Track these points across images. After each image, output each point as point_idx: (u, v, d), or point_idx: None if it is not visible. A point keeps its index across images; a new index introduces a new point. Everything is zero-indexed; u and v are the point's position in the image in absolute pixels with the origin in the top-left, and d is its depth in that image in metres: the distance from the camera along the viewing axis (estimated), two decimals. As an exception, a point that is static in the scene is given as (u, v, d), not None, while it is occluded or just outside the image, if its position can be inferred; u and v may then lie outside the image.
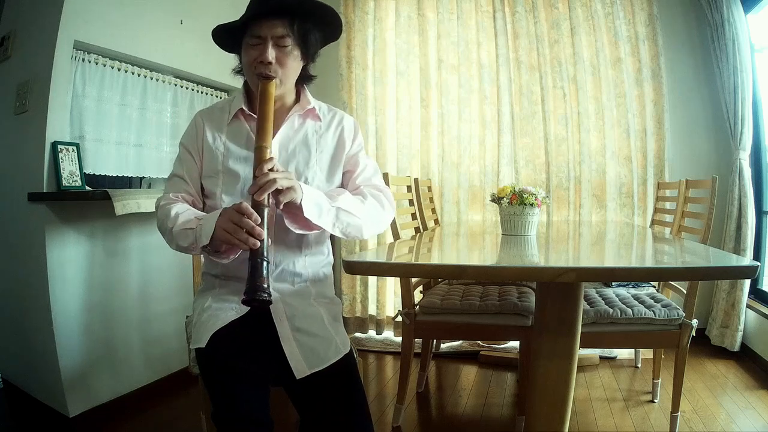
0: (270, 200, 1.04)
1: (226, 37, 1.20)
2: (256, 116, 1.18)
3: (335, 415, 1.09)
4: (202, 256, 1.35)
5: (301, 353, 1.10)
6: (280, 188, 1.03)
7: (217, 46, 1.24)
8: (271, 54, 1.12)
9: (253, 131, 1.19)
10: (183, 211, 1.14)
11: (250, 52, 1.14)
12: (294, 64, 1.17)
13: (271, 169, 1.03)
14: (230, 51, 1.24)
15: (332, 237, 1.23)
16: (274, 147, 1.19)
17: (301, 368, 1.09)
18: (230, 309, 1.15)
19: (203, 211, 1.21)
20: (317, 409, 1.10)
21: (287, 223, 1.11)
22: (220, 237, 1.02)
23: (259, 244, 0.99)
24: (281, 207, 1.07)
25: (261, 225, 1.00)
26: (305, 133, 1.25)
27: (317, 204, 1.10)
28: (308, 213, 1.08)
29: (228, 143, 1.20)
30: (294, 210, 1.09)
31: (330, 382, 1.11)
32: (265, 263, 0.98)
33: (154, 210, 1.89)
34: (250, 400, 1.06)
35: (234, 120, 1.22)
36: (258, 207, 1.01)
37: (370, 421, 1.12)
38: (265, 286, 0.97)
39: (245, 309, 1.13)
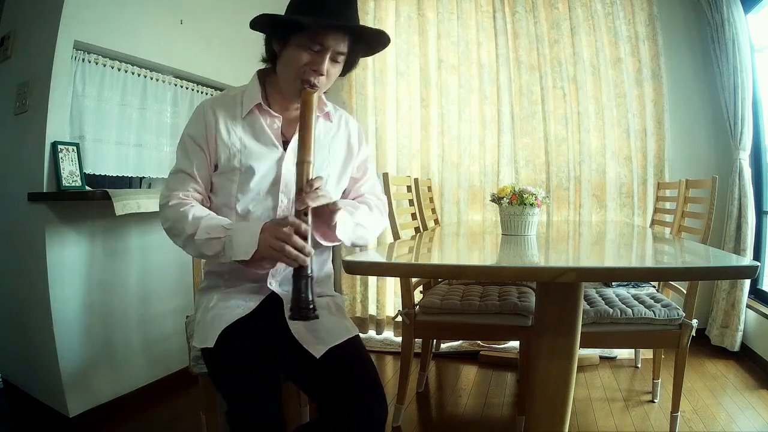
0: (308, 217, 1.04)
1: (275, 26, 1.14)
2: (273, 113, 1.19)
3: (349, 391, 1.07)
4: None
5: (314, 337, 1.12)
6: (328, 203, 1.05)
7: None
8: (326, 67, 1.11)
9: (269, 127, 1.18)
10: (203, 216, 1.09)
11: (304, 55, 1.09)
12: (335, 78, 1.18)
13: (317, 188, 1.04)
14: (263, 30, 1.16)
15: None
16: (290, 151, 1.17)
17: (317, 349, 1.10)
18: (237, 306, 1.14)
19: (209, 208, 1.18)
20: (331, 385, 1.09)
21: (317, 237, 1.13)
22: (266, 254, 1.01)
23: (308, 261, 0.99)
24: (333, 223, 1.08)
25: (306, 240, 1.00)
26: (318, 135, 1.22)
27: (344, 222, 1.13)
28: (339, 231, 1.11)
29: (244, 138, 1.16)
30: (323, 226, 1.11)
31: (342, 361, 1.11)
32: (310, 280, 0.99)
33: (154, 210, 1.91)
34: (264, 398, 1.05)
35: (249, 115, 1.18)
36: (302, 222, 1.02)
37: (382, 394, 1.10)
38: (311, 302, 0.98)
39: (252, 306, 1.14)
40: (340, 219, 1.09)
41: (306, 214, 1.02)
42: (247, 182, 1.15)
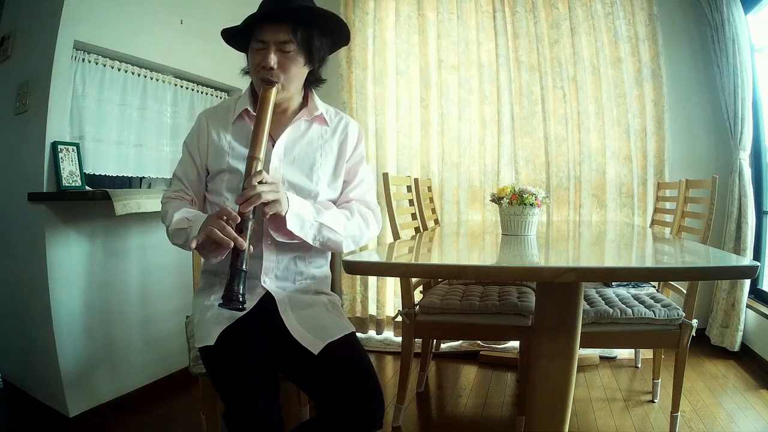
0: (255, 213, 1.07)
1: (236, 38, 1.22)
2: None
3: (346, 387, 1.09)
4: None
5: (312, 334, 1.14)
6: (266, 201, 1.06)
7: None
8: (273, 59, 1.13)
9: None
10: (177, 210, 1.18)
11: (255, 57, 1.16)
12: (297, 70, 1.18)
13: (260, 182, 1.05)
14: (240, 50, 1.26)
15: None
16: (279, 148, 1.21)
17: (315, 345, 1.12)
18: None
19: (204, 209, 1.27)
20: (329, 382, 1.10)
21: (271, 230, 1.15)
22: (209, 234, 1.04)
23: (244, 245, 1.03)
24: (267, 217, 1.10)
25: (243, 235, 1.03)
26: (311, 137, 1.26)
27: (300, 217, 1.13)
28: (290, 225, 1.11)
29: (232, 142, 1.23)
30: (278, 221, 1.12)
31: (338, 358, 1.13)
32: (242, 273, 1.03)
33: (154, 210, 1.92)
34: (262, 397, 1.06)
35: (238, 120, 1.25)
36: (243, 219, 1.05)
37: (379, 389, 1.11)
38: (240, 294, 1.02)
39: (250, 306, 1.16)
40: (290, 214, 1.10)
41: (246, 212, 1.06)
42: (234, 181, 1.19)
